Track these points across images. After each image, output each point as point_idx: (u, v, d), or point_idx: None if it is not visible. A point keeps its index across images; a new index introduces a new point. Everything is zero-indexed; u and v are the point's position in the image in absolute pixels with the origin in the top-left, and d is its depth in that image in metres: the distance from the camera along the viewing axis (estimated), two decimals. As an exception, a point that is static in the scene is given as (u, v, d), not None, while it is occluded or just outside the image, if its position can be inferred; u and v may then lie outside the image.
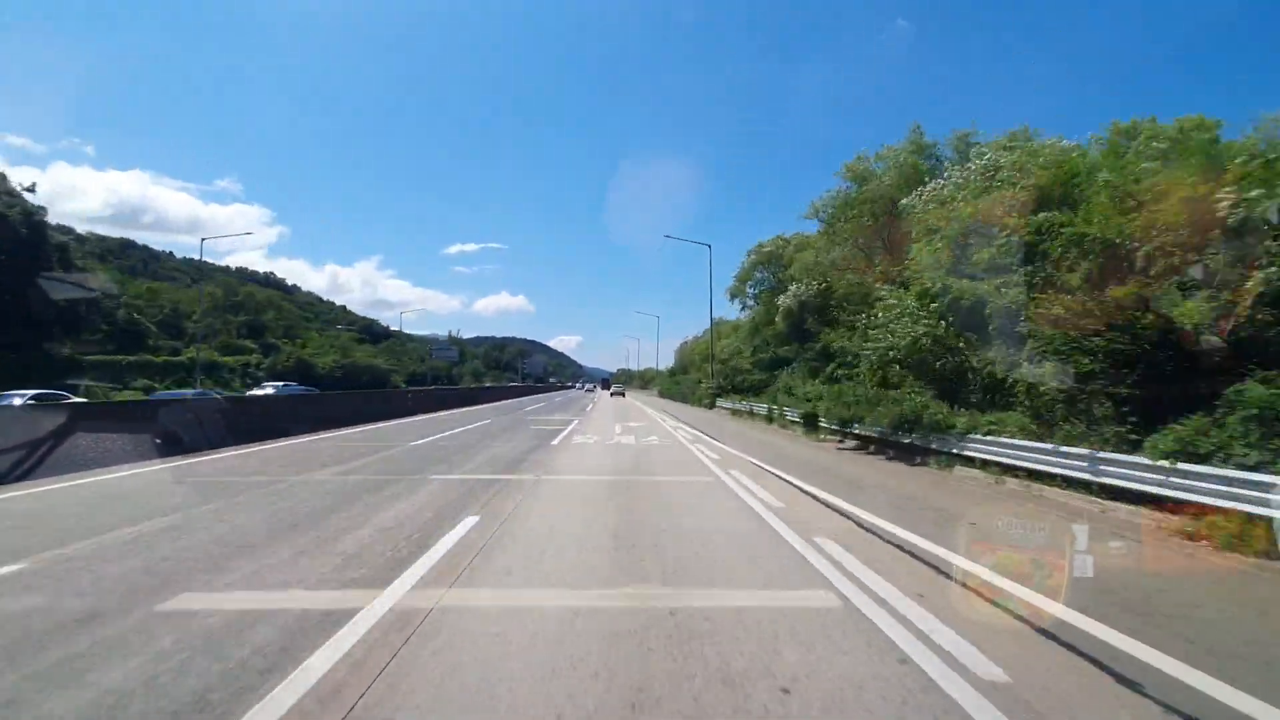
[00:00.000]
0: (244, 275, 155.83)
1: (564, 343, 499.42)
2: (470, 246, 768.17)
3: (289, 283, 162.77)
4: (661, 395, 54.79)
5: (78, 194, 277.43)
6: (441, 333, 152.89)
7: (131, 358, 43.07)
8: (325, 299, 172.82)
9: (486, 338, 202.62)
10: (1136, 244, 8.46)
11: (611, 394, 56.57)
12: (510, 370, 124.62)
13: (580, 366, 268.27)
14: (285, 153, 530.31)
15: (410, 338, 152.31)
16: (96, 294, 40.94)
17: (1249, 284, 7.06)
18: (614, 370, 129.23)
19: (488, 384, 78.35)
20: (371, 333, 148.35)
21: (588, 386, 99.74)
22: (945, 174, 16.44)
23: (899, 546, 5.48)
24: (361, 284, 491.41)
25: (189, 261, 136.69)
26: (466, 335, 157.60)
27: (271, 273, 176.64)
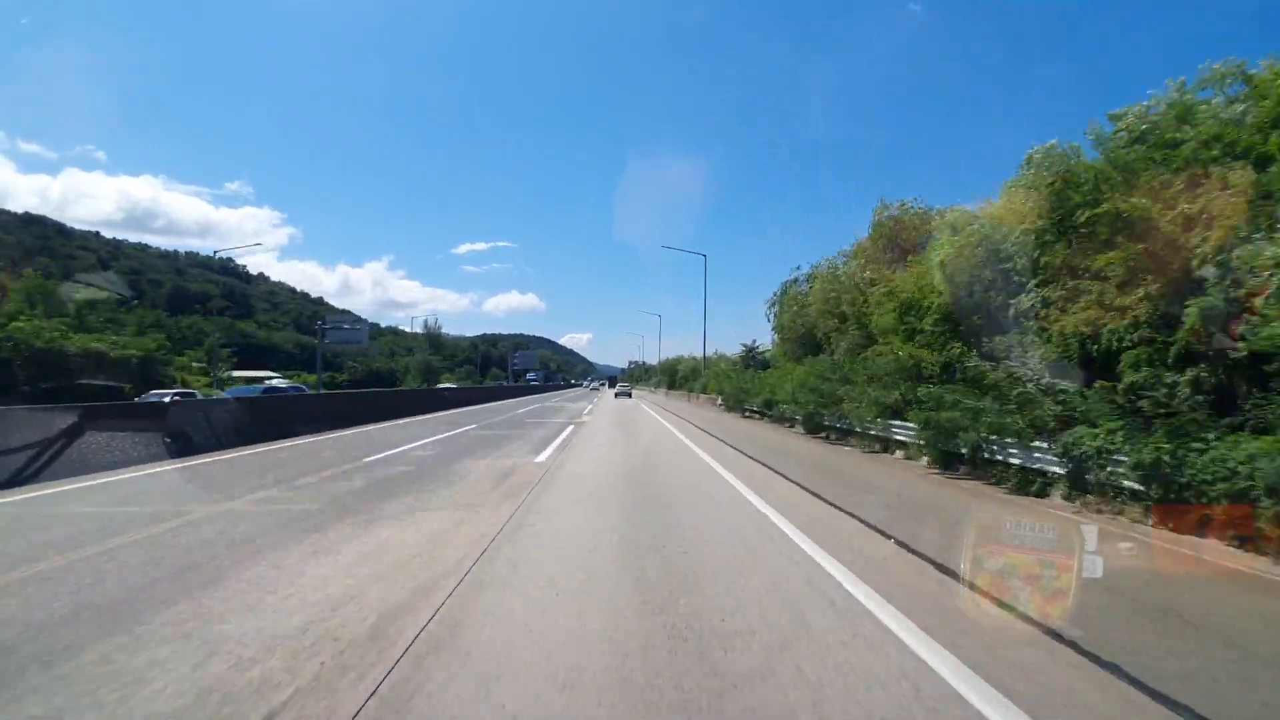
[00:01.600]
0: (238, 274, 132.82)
1: (575, 340, 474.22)
2: (480, 245, 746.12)
3: (246, 269, 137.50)
4: (734, 409, 25.14)
5: (86, 198, 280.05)
6: (453, 332, 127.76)
7: None
8: (297, 290, 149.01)
9: (493, 335, 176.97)
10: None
11: (616, 394, 48.74)
12: (500, 367, 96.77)
13: (591, 363, 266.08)
14: (295, 155, 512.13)
15: (399, 333, 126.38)
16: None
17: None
18: (629, 364, 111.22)
19: (450, 385, 50.64)
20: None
21: (594, 385, 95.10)
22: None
23: None
24: (372, 284, 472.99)
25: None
26: (472, 334, 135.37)
27: (230, 258, 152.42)
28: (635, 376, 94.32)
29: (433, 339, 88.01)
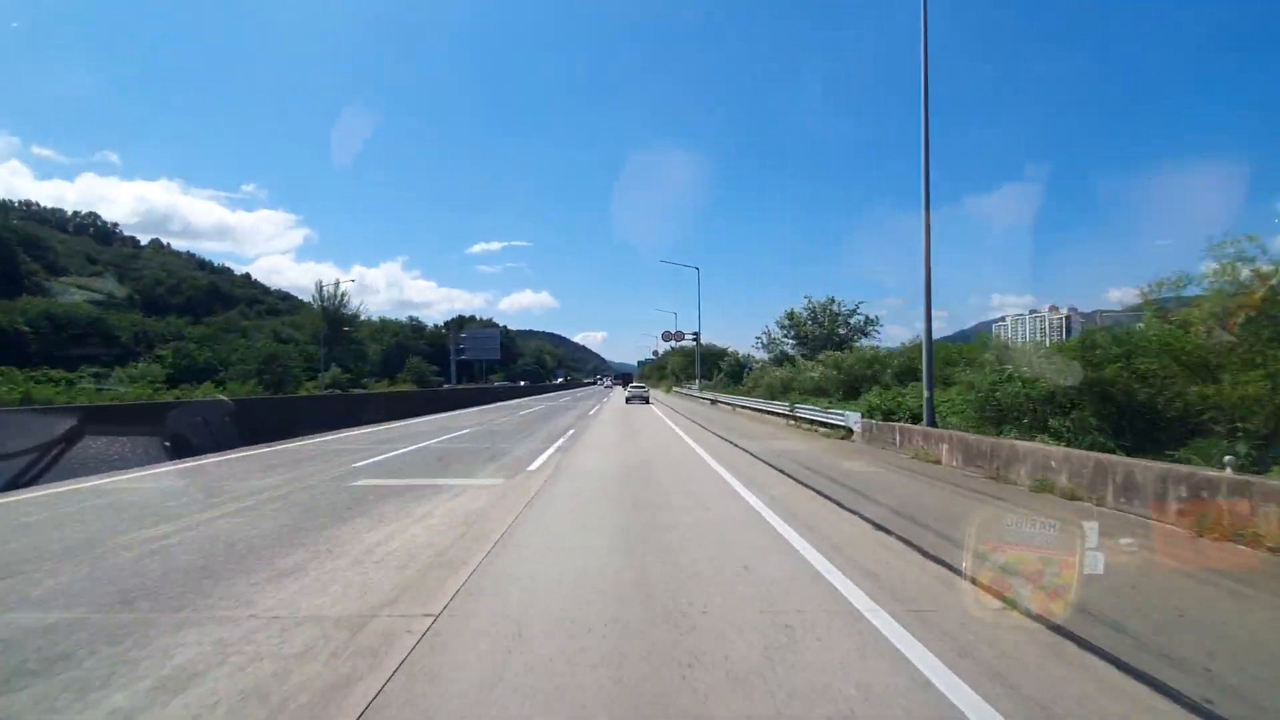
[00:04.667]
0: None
1: (589, 338, 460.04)
2: (494, 245, 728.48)
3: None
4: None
5: (104, 202, 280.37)
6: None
7: None
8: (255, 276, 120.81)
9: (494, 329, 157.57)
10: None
11: (629, 398, 36.92)
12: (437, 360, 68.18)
13: (605, 360, 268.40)
14: (309, 157, 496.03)
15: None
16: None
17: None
18: (657, 347, 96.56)
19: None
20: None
21: (605, 382, 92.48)
22: None
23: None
24: (387, 284, 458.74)
25: None
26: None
27: (154, 239, 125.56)
28: (669, 369, 64.67)
29: (331, 316, 58.91)
